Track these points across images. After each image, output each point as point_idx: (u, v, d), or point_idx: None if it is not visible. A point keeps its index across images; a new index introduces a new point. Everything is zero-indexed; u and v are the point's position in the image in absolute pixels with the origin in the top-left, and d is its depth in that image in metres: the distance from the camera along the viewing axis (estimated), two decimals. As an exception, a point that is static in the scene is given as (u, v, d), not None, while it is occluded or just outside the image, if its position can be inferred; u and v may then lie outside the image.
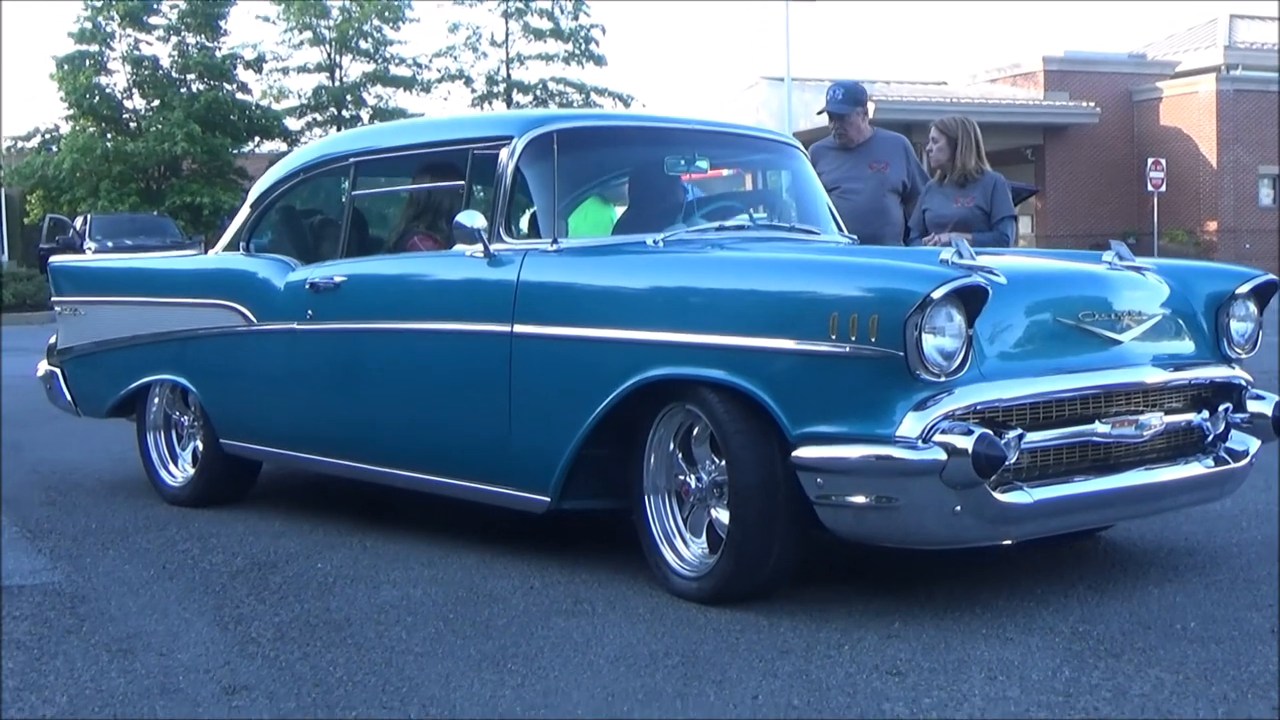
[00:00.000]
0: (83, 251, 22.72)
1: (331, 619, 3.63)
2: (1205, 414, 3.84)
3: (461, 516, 4.72)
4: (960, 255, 3.40)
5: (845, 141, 5.91)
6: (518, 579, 4.01)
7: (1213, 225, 34.87)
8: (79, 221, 27.39)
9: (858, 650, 3.24)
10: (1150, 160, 32.97)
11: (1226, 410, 3.87)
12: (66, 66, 30.69)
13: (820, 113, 6.10)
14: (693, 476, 3.75)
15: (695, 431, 3.74)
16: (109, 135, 31.54)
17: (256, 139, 33.85)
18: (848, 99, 5.88)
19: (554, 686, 3.03)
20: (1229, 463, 3.89)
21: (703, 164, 4.83)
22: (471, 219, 4.07)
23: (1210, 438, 3.85)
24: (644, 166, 4.88)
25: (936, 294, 3.18)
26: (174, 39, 32.07)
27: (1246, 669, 3.07)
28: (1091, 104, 35.52)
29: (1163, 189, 32.30)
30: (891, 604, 3.65)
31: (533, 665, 3.18)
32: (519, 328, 4.00)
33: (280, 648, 3.38)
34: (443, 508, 4.75)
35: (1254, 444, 3.98)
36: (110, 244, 23.46)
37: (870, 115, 6.30)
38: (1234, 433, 3.92)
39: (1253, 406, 3.95)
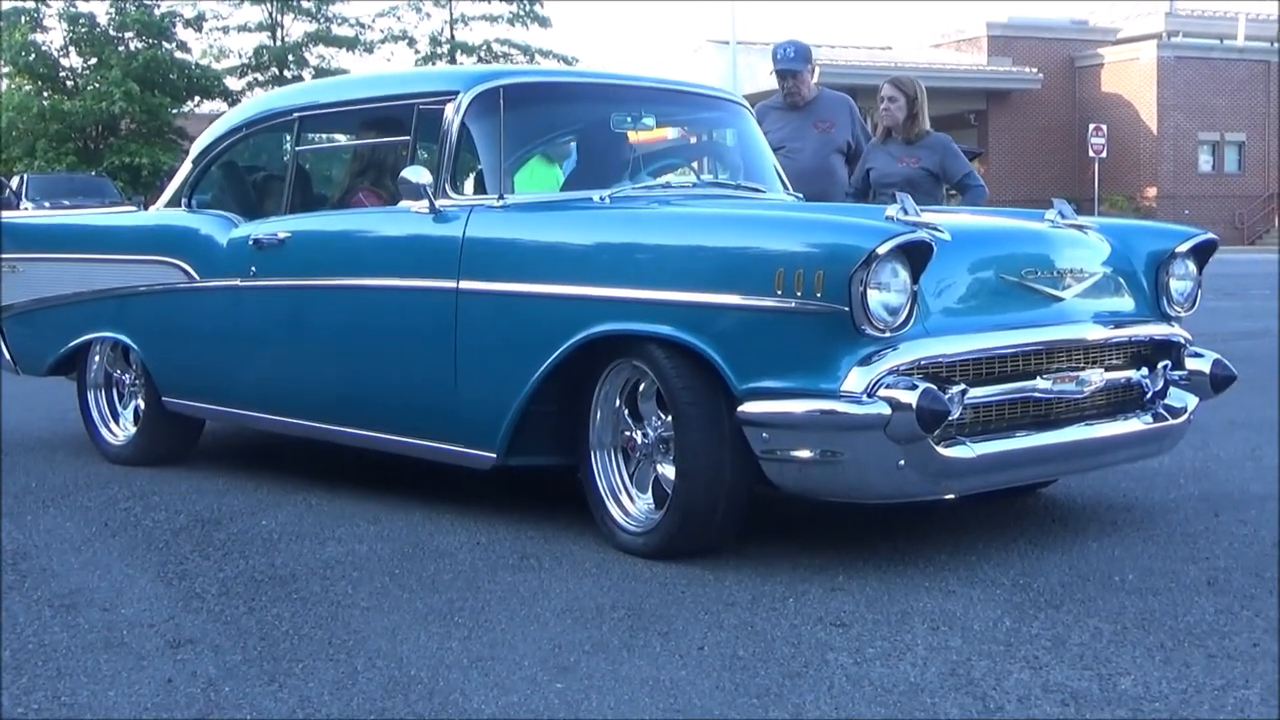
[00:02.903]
0: (19, 210, 22.22)
1: (277, 574, 3.60)
2: (1145, 371, 3.89)
3: (407, 473, 4.68)
4: (905, 212, 3.41)
5: (795, 100, 5.90)
6: (464, 535, 3.99)
7: (1152, 191, 35.39)
8: (15, 181, 26.76)
9: (802, 603, 3.26)
10: (1092, 126, 33.34)
11: (1166, 367, 3.92)
12: (2, 24, 29.88)
13: (771, 73, 6.08)
14: (639, 433, 3.74)
15: (641, 387, 3.73)
16: (45, 94, 30.84)
17: (196, 99, 33.26)
18: (800, 57, 5.87)
19: (501, 639, 3.02)
20: (1168, 419, 3.94)
21: (649, 121, 4.79)
22: (417, 174, 4.01)
23: (1150, 394, 3.90)
24: (591, 124, 4.84)
25: (882, 249, 3.19)
26: (112, -5, 31.35)
27: (1183, 619, 3.13)
28: (1034, 70, 35.81)
29: (1104, 154, 32.69)
30: (836, 558, 3.66)
31: (479, 618, 3.17)
32: (464, 284, 3.96)
33: (225, 602, 3.34)
34: (388, 465, 4.72)
35: (1192, 401, 4.04)
36: (48, 204, 22.93)
37: (815, 79, 6.30)
38: (1173, 390, 3.97)
39: (1191, 364, 4.00)
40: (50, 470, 5.18)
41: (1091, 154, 32.32)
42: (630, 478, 3.80)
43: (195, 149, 5.36)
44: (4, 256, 5.79)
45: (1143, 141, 35.51)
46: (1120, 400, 3.89)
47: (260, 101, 6.17)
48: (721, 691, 2.69)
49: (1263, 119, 37.03)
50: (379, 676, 2.79)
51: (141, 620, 3.20)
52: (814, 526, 4.08)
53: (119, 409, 5.42)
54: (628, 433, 3.78)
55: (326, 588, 3.46)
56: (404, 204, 4.17)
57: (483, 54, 34.29)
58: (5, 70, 30.92)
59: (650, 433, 3.71)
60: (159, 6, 31.87)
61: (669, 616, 3.17)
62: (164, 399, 5.03)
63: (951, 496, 3.75)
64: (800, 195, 4.90)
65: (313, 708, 2.62)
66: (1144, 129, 35.48)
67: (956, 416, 3.35)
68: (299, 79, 32.21)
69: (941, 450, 3.36)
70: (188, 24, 32.77)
